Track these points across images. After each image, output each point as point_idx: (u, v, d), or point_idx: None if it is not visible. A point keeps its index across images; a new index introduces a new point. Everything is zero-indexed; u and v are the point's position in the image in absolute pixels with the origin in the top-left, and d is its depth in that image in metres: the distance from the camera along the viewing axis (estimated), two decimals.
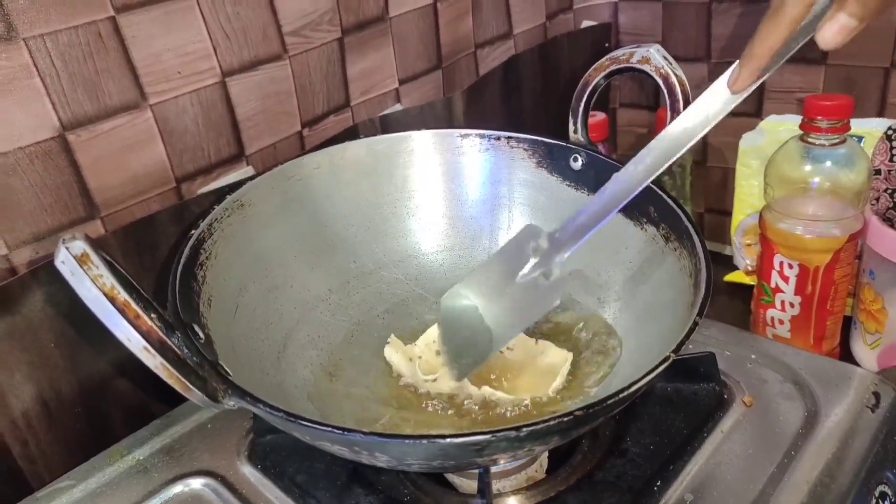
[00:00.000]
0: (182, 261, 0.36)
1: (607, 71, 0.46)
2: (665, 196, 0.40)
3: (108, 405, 0.48)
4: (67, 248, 0.25)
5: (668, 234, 0.40)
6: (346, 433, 0.26)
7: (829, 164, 0.56)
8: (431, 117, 0.64)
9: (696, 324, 0.31)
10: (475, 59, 0.71)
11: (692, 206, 0.77)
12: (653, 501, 0.35)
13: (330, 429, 0.27)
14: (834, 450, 0.37)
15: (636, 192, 0.35)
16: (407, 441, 0.26)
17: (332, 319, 0.44)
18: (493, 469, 0.36)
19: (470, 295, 0.41)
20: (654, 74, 0.43)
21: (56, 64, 0.43)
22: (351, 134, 0.59)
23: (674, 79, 0.42)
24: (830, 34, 0.29)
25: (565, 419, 0.26)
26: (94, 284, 0.25)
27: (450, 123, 0.66)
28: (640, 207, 0.42)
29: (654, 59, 0.42)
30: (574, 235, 0.36)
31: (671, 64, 0.42)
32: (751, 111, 0.74)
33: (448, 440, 0.26)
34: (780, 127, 0.68)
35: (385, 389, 0.41)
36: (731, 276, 0.75)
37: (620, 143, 0.87)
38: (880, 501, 0.37)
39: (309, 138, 0.58)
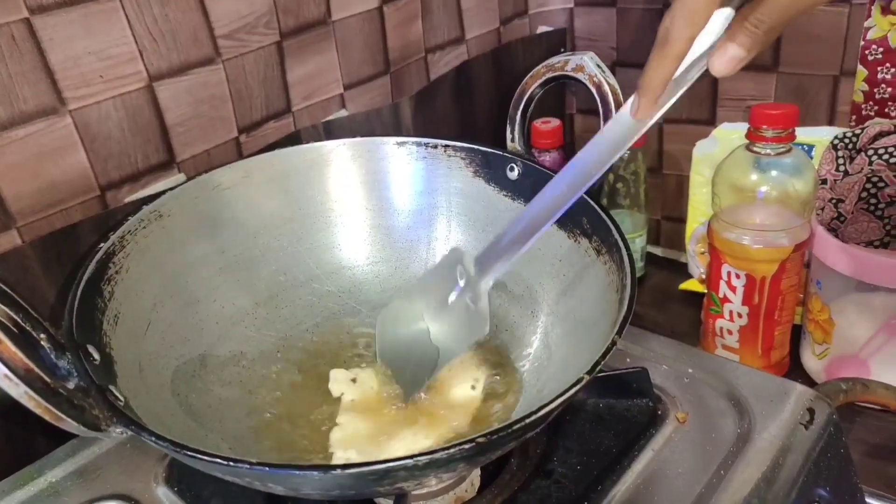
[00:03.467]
0: (86, 276, 0.34)
1: (543, 79, 0.44)
2: (597, 207, 0.39)
3: (29, 423, 0.46)
4: None
5: (600, 247, 0.38)
6: (232, 464, 0.25)
7: (775, 173, 0.55)
8: (378, 123, 0.63)
9: (613, 343, 0.30)
10: (426, 64, 0.70)
11: (648, 214, 0.76)
12: None
13: (217, 459, 0.25)
14: (765, 468, 0.36)
15: (552, 220, 0.34)
16: (297, 472, 0.25)
17: (257, 335, 0.43)
18: (420, 490, 0.35)
19: (412, 312, 0.40)
20: (587, 82, 0.42)
21: None
22: (292, 140, 0.57)
23: (606, 87, 0.41)
24: (720, 64, 0.30)
25: (466, 447, 0.25)
26: None
27: (397, 130, 0.64)
28: (574, 219, 0.41)
29: (588, 66, 0.41)
30: (497, 259, 0.36)
31: (604, 72, 0.41)
32: (704, 119, 0.73)
33: (340, 471, 0.24)
34: (733, 135, 0.68)
35: (310, 408, 0.40)
36: (686, 285, 0.74)
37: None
38: None
39: (247, 144, 0.56)
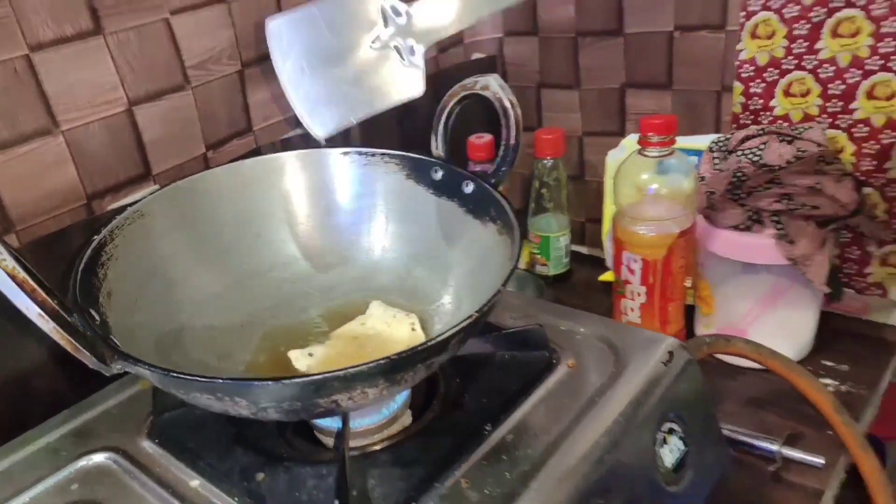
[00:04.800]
0: (84, 260, 0.43)
1: (459, 97, 0.54)
2: (500, 199, 0.49)
3: (25, 402, 0.54)
4: None
5: (501, 229, 0.48)
6: (209, 381, 0.33)
7: (661, 172, 0.66)
8: (329, 140, 0.72)
9: (499, 291, 0.39)
10: None
11: (571, 216, 0.86)
12: (481, 440, 0.42)
13: (196, 377, 0.34)
14: (632, 396, 0.46)
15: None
16: (256, 384, 0.34)
17: (225, 313, 0.51)
18: (360, 427, 0.44)
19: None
20: (492, 99, 0.52)
21: None
22: (254, 155, 0.66)
23: (507, 102, 0.51)
24: None
25: (382, 362, 0.34)
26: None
27: (347, 143, 0.74)
28: (484, 209, 0.51)
29: (492, 86, 0.52)
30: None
31: (505, 90, 0.51)
32: (615, 131, 0.85)
33: (288, 381, 0.33)
34: (637, 143, 0.79)
35: (271, 371, 0.49)
36: (604, 276, 0.85)
37: None
38: (668, 435, 0.46)
39: (213, 159, 0.65)
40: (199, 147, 0.64)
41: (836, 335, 0.70)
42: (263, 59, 0.67)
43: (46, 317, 0.32)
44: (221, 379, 0.33)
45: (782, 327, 0.67)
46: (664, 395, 0.46)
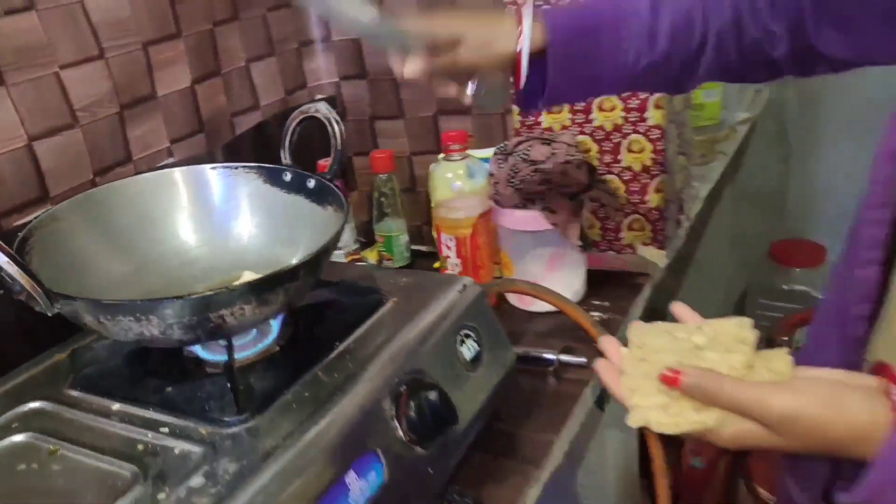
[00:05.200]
0: (14, 249, 0.57)
1: (298, 119, 0.73)
2: (334, 188, 0.68)
3: None
4: None
5: (337, 210, 0.67)
6: (131, 302, 0.49)
7: (460, 171, 0.88)
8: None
9: (332, 237, 0.58)
10: (231, 124, 0.97)
11: (407, 219, 1.07)
12: (332, 350, 0.60)
13: (121, 301, 0.49)
14: (436, 314, 0.65)
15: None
16: (165, 300, 0.49)
17: (130, 290, 0.65)
18: (238, 344, 0.60)
19: None
20: (321, 117, 0.71)
21: None
22: None
23: (332, 118, 0.70)
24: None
25: (251, 283, 0.51)
26: None
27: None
28: (326, 198, 0.69)
29: (321, 109, 0.71)
30: None
31: (330, 111, 0.71)
32: (433, 149, 1.07)
33: (186, 297, 0.50)
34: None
35: None
36: (437, 264, 1.06)
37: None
38: (465, 339, 0.66)
39: (100, 184, 0.79)
40: (87, 174, 0.78)
41: (602, 284, 0.95)
42: (139, 101, 0.82)
43: (14, 266, 0.47)
44: (140, 301, 0.49)
45: (563, 281, 0.91)
46: (461, 313, 0.67)
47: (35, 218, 0.63)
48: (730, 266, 1.95)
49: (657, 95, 0.88)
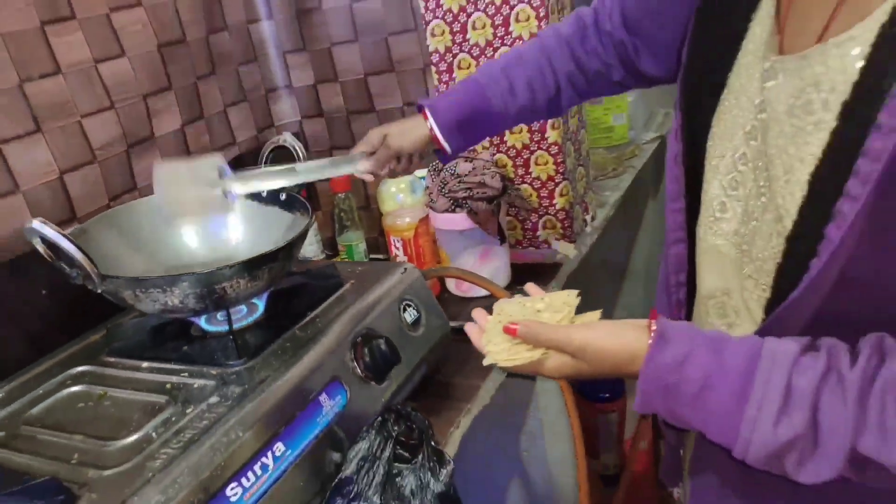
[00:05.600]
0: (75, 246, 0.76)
1: (271, 147, 0.95)
2: (300, 198, 0.90)
3: (28, 342, 0.83)
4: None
5: (303, 213, 0.88)
6: (161, 277, 0.69)
7: (402, 187, 1.11)
8: None
9: (301, 231, 0.79)
10: None
11: (366, 233, 1.28)
12: (304, 318, 0.81)
13: (155, 277, 0.69)
14: (384, 289, 0.87)
15: (297, 181, 0.83)
16: (185, 274, 0.70)
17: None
18: (235, 318, 0.80)
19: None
20: (287, 146, 0.93)
21: None
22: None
23: (298, 149, 0.92)
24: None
25: (243, 261, 0.72)
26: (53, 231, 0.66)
27: None
28: (294, 204, 0.90)
29: (288, 140, 0.93)
30: (256, 181, 0.82)
31: (296, 141, 0.93)
32: None
33: (198, 272, 0.70)
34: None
35: None
36: None
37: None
38: (407, 307, 0.87)
39: (113, 206, 0.99)
40: (104, 199, 0.98)
41: (525, 274, 1.17)
42: (141, 142, 1.03)
43: (80, 252, 0.67)
44: (166, 276, 0.70)
45: (491, 272, 1.13)
46: (403, 289, 0.88)
47: (69, 231, 0.83)
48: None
49: (553, 119, 1.12)
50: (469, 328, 0.68)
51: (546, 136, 1.13)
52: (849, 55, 0.49)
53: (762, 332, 0.53)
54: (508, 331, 0.62)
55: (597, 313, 0.63)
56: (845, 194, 0.47)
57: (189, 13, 1.10)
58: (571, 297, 0.65)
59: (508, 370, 0.64)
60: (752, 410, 0.49)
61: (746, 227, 0.58)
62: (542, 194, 1.18)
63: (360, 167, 0.86)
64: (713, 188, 0.61)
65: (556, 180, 1.16)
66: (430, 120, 0.83)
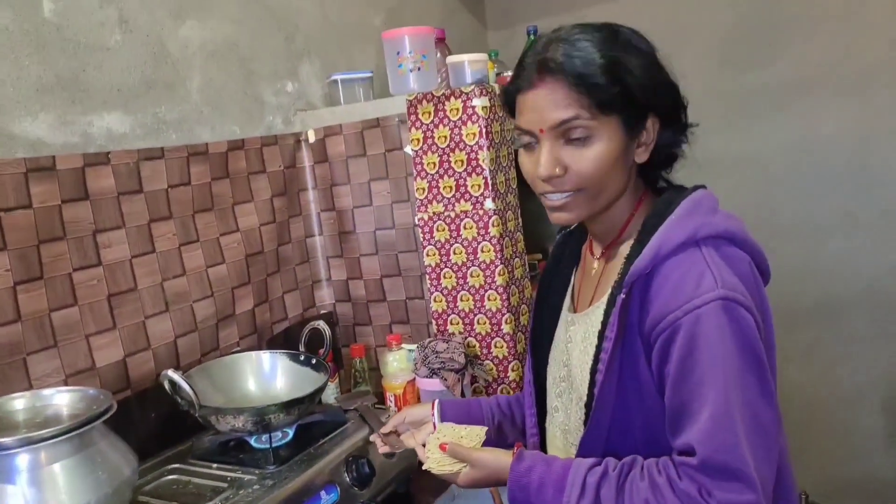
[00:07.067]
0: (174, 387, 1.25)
1: (310, 329, 1.45)
2: (324, 363, 1.38)
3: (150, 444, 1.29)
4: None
5: (324, 373, 1.36)
6: (232, 409, 1.16)
7: (399, 356, 1.58)
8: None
9: (318, 388, 1.26)
10: (271, 328, 1.69)
11: (374, 388, 1.74)
12: (316, 442, 1.26)
13: (231, 408, 1.16)
14: (368, 430, 1.32)
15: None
16: (247, 408, 1.16)
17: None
18: (274, 438, 1.25)
19: None
20: (322, 330, 1.43)
21: None
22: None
23: (326, 330, 1.42)
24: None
25: (278, 404, 1.19)
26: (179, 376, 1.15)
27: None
28: (318, 367, 1.38)
29: (321, 324, 1.43)
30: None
31: (326, 327, 1.43)
32: (385, 344, 1.78)
33: (256, 407, 1.16)
34: None
35: None
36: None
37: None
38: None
39: (204, 361, 1.49)
40: (197, 355, 1.48)
41: None
42: (226, 317, 1.55)
43: (191, 390, 1.15)
44: (236, 408, 1.17)
45: None
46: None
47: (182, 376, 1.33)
48: None
49: (506, 315, 1.60)
50: (417, 449, 1.11)
51: (502, 328, 1.61)
52: (602, 310, 0.96)
53: (580, 449, 0.96)
54: (442, 448, 1.06)
55: (483, 429, 1.06)
56: (599, 371, 0.92)
57: (267, 234, 1.67)
58: (482, 431, 1.10)
59: (437, 475, 1.08)
60: (566, 497, 0.89)
61: (567, 417, 1.02)
62: (499, 369, 1.64)
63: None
64: (551, 399, 1.07)
65: (510, 359, 1.62)
66: (435, 411, 1.15)
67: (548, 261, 1.15)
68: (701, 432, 0.81)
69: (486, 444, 1.04)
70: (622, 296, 0.89)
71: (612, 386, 0.91)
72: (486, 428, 1.08)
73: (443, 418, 1.13)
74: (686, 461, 0.82)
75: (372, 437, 1.17)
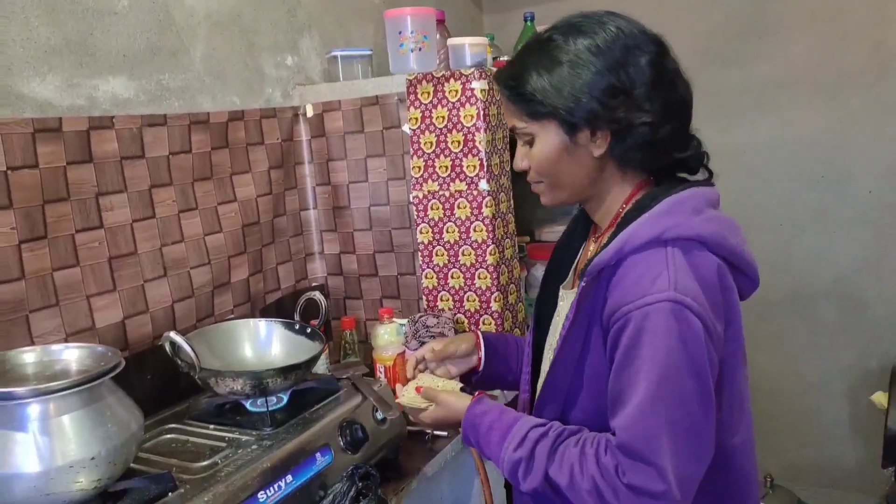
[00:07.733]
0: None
1: (305, 298, 1.49)
2: (318, 332, 1.42)
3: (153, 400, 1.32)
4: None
5: (319, 342, 1.40)
6: (232, 371, 1.20)
7: (389, 330, 1.63)
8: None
9: (314, 355, 1.30)
10: (264, 298, 1.72)
11: (363, 359, 1.78)
12: (311, 407, 1.31)
13: (231, 370, 1.20)
14: (361, 397, 1.36)
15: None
16: (246, 372, 1.20)
17: None
18: (270, 403, 1.29)
19: None
20: (316, 299, 1.47)
21: None
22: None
23: (321, 301, 1.46)
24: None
25: (274, 369, 1.23)
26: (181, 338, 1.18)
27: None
28: (313, 336, 1.42)
29: (317, 296, 1.47)
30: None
31: (322, 297, 1.47)
32: (377, 318, 1.82)
33: (253, 370, 1.20)
34: None
35: None
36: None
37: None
38: (377, 409, 1.36)
39: (201, 325, 1.52)
40: (193, 320, 1.51)
41: None
42: (222, 285, 1.58)
43: (193, 352, 1.19)
44: (236, 370, 1.20)
45: None
46: (377, 397, 1.38)
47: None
48: None
49: (496, 294, 1.65)
50: (398, 388, 1.21)
51: (490, 305, 1.66)
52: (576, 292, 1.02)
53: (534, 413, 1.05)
54: (417, 390, 1.15)
55: (458, 384, 1.16)
56: (559, 342, 1.00)
57: (263, 205, 1.70)
58: (457, 386, 1.17)
59: (406, 409, 1.16)
60: (506, 444, 0.98)
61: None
62: None
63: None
64: (544, 363, 1.13)
65: None
66: (482, 344, 1.25)
67: (562, 233, 1.20)
68: (625, 418, 0.89)
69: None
70: (583, 283, 0.96)
71: (566, 364, 1.00)
72: (461, 385, 1.18)
73: (486, 348, 1.25)
74: (611, 440, 0.91)
75: (408, 355, 1.32)
